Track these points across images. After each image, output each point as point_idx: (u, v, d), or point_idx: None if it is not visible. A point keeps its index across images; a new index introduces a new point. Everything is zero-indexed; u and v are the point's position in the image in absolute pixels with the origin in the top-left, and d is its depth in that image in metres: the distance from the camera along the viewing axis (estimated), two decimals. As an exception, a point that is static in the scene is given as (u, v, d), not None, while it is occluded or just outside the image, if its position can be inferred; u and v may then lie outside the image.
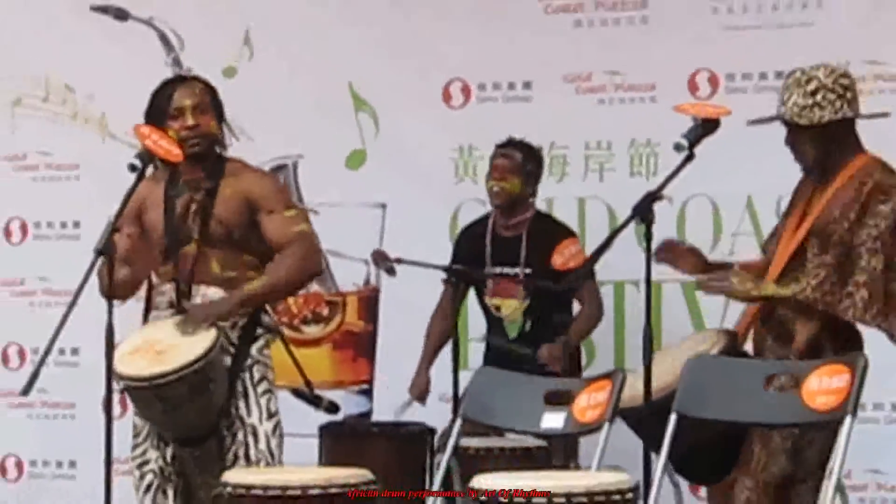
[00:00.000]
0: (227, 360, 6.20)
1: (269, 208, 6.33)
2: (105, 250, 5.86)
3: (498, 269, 7.47)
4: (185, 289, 6.29)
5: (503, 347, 7.11)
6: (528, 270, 7.37)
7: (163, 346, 6.06)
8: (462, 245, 7.70)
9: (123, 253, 6.18)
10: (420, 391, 7.51)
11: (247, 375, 6.26)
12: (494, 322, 7.47)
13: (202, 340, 6.03)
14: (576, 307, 7.79)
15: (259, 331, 6.38)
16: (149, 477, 6.32)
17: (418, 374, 7.60)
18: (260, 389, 6.27)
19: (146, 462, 6.29)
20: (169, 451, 6.25)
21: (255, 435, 6.20)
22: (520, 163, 7.50)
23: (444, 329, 7.74)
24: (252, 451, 6.16)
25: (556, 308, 7.46)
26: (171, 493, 6.27)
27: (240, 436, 6.20)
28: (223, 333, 6.12)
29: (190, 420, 6.13)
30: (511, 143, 7.58)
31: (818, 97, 5.65)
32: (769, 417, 5.06)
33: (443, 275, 7.63)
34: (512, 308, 7.35)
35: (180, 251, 6.30)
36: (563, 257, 7.33)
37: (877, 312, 5.68)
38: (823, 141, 5.78)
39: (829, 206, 5.73)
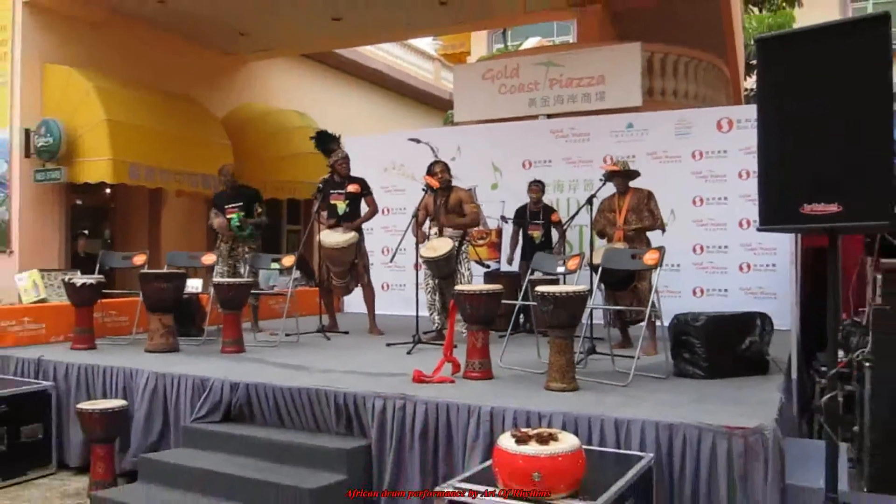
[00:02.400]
0: (455, 252, 6.09)
1: (466, 202, 6.33)
2: (415, 216, 6.07)
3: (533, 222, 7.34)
4: (441, 229, 6.26)
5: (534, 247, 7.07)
6: (543, 222, 7.24)
7: (435, 246, 6.08)
8: (518, 213, 7.54)
9: (421, 219, 6.32)
10: (510, 259, 7.42)
11: (461, 257, 6.24)
12: (529, 239, 7.36)
13: (448, 245, 6.08)
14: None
15: (465, 242, 6.35)
16: (429, 288, 6.28)
17: (510, 254, 7.52)
18: (465, 261, 6.28)
19: (428, 284, 6.28)
20: (436, 281, 6.24)
21: (464, 276, 6.18)
22: (536, 187, 7.31)
23: (515, 243, 7.55)
24: (463, 281, 6.14)
25: (548, 234, 7.31)
26: (437, 294, 6.24)
27: (457, 276, 6.20)
28: (454, 244, 6.12)
29: (444, 271, 6.14)
30: (535, 181, 7.37)
31: (627, 165, 5.66)
32: (634, 267, 4.83)
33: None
34: (538, 234, 7.24)
35: (439, 217, 6.27)
36: (555, 217, 7.14)
37: (663, 224, 5.67)
38: (625, 180, 5.64)
39: (631, 201, 5.62)
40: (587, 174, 8.08)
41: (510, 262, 7.46)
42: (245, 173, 10.00)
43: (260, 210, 7.00)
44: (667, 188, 6.90)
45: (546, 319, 4.08)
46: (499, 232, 8.47)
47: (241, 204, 6.94)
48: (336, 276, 6.86)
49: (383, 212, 8.63)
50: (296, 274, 6.37)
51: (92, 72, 9.42)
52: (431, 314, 6.31)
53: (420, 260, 6.13)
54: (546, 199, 7.55)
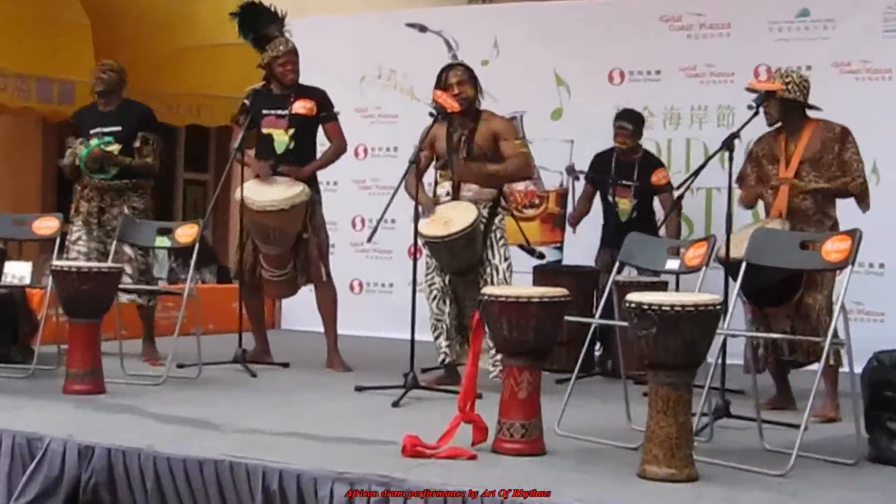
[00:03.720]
0: (482, 227, 6.27)
1: (505, 137, 6.45)
2: (415, 161, 6.08)
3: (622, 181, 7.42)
4: (457, 185, 6.40)
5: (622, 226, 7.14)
6: (637, 184, 7.30)
7: (447, 218, 6.20)
8: (594, 163, 7.64)
9: (423, 165, 6.45)
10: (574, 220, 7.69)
11: (493, 236, 6.38)
12: (612, 211, 7.43)
13: (469, 215, 6.17)
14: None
15: (499, 210, 6.48)
16: (435, 292, 6.45)
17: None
18: (500, 244, 6.39)
19: (433, 284, 6.46)
20: (447, 278, 6.43)
21: (497, 270, 6.31)
22: (630, 129, 7.39)
23: (584, 211, 7.80)
24: (495, 279, 6.26)
25: (647, 205, 7.37)
26: (448, 301, 6.41)
27: (489, 270, 6.32)
28: (480, 212, 6.23)
29: (462, 261, 6.30)
30: (623, 113, 7.46)
31: (789, 84, 5.63)
32: (803, 265, 4.91)
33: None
34: (626, 203, 7.30)
35: (456, 164, 6.38)
36: (657, 177, 7.30)
37: (866, 188, 5.68)
38: (782, 108, 5.67)
39: (809, 146, 5.66)
40: (724, 97, 8.20)
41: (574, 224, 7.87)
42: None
43: (146, 143, 7.04)
44: (867, 127, 6.85)
45: (644, 353, 4.10)
46: (561, 195, 8.47)
47: (118, 129, 6.99)
48: (269, 262, 6.92)
49: (356, 152, 8.69)
50: (173, 262, 6.38)
51: None
52: (437, 337, 6.40)
53: (421, 241, 6.20)
54: (650, 141, 7.53)
